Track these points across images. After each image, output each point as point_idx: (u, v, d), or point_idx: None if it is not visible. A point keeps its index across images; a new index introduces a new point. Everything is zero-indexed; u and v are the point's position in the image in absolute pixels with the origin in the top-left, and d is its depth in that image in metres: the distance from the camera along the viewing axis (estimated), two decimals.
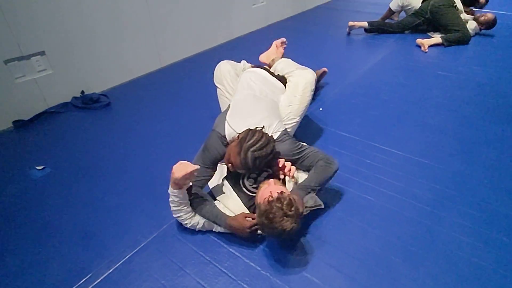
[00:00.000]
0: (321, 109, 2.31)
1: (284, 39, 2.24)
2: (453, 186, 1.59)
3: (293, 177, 1.43)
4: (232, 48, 3.54)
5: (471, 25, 3.41)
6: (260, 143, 1.30)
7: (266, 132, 1.40)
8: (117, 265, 1.31)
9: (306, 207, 1.44)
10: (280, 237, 1.25)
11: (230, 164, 1.36)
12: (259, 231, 1.33)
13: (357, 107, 2.32)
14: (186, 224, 1.39)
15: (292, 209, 1.15)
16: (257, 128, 1.37)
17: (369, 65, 2.97)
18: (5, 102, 2.21)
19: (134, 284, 1.24)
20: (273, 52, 2.18)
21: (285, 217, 1.13)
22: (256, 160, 1.29)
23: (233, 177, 1.47)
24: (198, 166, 1.29)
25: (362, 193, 1.58)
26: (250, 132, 1.34)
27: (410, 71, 2.82)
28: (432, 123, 2.09)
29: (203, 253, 1.34)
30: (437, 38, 3.29)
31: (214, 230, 1.40)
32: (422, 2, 3.53)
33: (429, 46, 3.24)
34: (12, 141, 2.13)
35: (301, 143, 1.51)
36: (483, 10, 3.78)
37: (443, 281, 1.19)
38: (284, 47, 2.23)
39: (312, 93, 1.80)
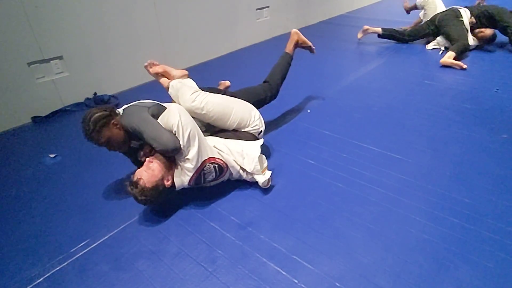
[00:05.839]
0: (309, 111, 2.50)
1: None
2: (418, 177, 1.75)
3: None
4: (236, 59, 3.80)
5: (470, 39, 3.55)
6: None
7: None
8: (112, 233, 1.51)
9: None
10: None
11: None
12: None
13: (342, 109, 2.50)
14: None
15: (144, 193, 1.46)
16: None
17: (361, 73, 3.16)
18: (26, 99, 2.49)
19: (125, 248, 1.44)
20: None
21: (139, 197, 1.48)
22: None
23: None
24: None
25: (334, 181, 1.75)
26: None
27: (398, 79, 2.99)
28: (409, 124, 2.25)
29: (187, 225, 1.53)
30: (450, 53, 3.22)
31: None
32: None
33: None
34: (30, 134, 2.40)
35: (154, 123, 1.55)
36: None
37: (393, 250, 1.34)
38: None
39: None
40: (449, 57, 3.17)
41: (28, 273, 1.34)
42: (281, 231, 1.47)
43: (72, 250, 1.43)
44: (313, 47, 2.39)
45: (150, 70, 1.93)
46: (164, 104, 1.76)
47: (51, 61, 2.55)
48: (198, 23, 3.52)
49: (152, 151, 1.60)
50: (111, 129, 1.58)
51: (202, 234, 1.48)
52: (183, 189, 1.61)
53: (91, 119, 1.53)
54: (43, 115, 2.58)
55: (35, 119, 2.55)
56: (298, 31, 2.32)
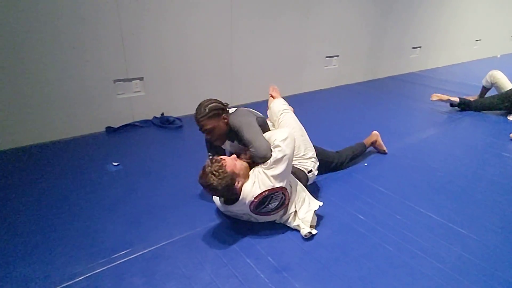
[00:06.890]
0: (366, 164, 2.41)
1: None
2: (484, 258, 1.54)
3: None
4: (300, 101, 3.85)
5: None
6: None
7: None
8: (151, 248, 1.55)
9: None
10: (205, 189, 1.54)
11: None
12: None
13: (401, 168, 2.37)
14: None
15: (220, 171, 1.46)
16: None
17: (427, 134, 3.00)
18: (104, 111, 2.77)
19: (160, 265, 1.45)
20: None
21: (211, 174, 1.46)
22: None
23: None
24: None
25: (383, 242, 1.62)
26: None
27: (470, 147, 2.77)
28: (479, 197, 2.03)
29: (223, 256, 1.51)
30: None
31: None
32: None
33: None
34: (101, 141, 2.64)
35: (256, 128, 1.69)
36: None
37: None
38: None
39: None
40: None
41: (72, 270, 1.41)
42: (317, 284, 1.38)
43: (113, 256, 1.48)
44: (387, 152, 2.57)
45: (274, 91, 2.23)
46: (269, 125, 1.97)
47: (133, 81, 2.84)
48: (268, 62, 3.70)
49: (241, 156, 1.70)
50: (219, 120, 1.75)
51: (237, 269, 1.44)
52: (228, 218, 1.61)
53: (208, 106, 1.71)
54: (115, 126, 2.83)
55: (108, 129, 2.81)
56: (378, 134, 2.55)
